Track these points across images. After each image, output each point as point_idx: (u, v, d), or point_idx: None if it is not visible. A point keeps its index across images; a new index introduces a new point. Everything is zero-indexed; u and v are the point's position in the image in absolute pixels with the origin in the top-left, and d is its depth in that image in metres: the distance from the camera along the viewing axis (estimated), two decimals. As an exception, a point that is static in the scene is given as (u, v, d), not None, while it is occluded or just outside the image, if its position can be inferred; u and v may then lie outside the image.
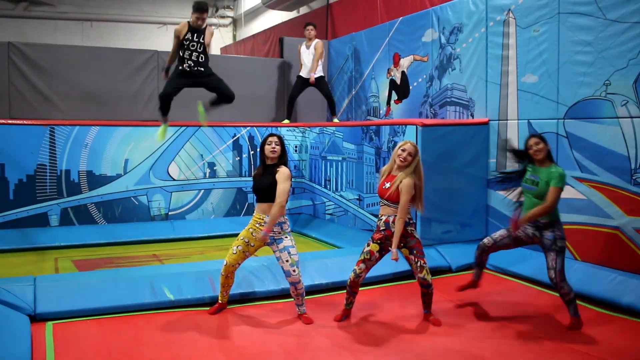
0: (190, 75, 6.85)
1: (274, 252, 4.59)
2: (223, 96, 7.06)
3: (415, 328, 4.52)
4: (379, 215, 4.55)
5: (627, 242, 5.17)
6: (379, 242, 4.49)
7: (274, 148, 4.59)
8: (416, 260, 4.44)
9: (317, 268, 5.59)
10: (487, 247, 4.87)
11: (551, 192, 4.43)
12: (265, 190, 4.55)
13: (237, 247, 4.60)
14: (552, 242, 4.46)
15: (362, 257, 4.53)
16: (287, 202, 4.59)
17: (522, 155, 4.74)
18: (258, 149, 8.53)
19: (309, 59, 8.87)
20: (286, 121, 9.05)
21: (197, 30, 6.78)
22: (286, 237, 4.56)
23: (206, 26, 6.88)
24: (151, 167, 8.01)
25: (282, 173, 4.51)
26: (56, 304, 4.59)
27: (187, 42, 6.74)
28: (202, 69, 6.89)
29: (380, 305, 5.06)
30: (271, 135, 4.70)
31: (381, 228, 4.49)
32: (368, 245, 4.53)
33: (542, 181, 4.49)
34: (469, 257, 6.19)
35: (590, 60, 5.45)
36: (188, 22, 6.84)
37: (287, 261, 4.50)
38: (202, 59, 6.85)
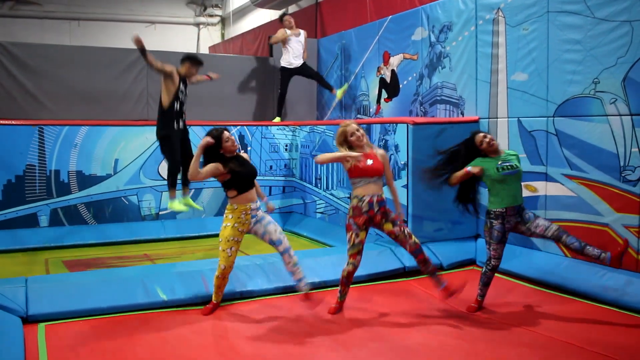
0: (182, 133, 6.67)
1: (258, 231, 4.66)
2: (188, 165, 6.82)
3: (409, 324, 4.55)
4: (359, 196, 4.53)
5: (617, 239, 5.22)
6: (364, 227, 4.56)
7: (234, 142, 4.69)
8: (402, 229, 4.56)
9: (309, 267, 5.58)
10: (498, 266, 4.83)
11: None
12: (250, 178, 4.69)
13: (231, 248, 4.62)
14: (532, 213, 4.72)
15: (357, 250, 4.58)
16: None
17: (465, 154, 4.85)
18: (249, 148, 8.58)
19: (299, 47, 8.91)
20: (277, 119, 9.05)
21: (185, 82, 6.64)
22: (265, 214, 4.72)
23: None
24: (141, 167, 7.98)
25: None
26: (48, 305, 4.57)
27: (182, 95, 6.55)
28: (185, 123, 6.74)
29: (375, 302, 5.08)
30: (226, 130, 4.73)
31: (364, 210, 4.51)
32: (357, 236, 4.55)
33: (515, 163, 4.72)
34: (460, 255, 6.27)
35: (579, 58, 5.49)
36: (178, 70, 6.56)
37: (275, 230, 4.64)
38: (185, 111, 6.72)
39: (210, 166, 4.57)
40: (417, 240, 4.58)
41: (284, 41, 8.98)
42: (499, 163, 4.70)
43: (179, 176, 6.81)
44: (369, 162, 4.52)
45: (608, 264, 4.50)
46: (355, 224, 4.54)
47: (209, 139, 4.49)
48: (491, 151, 4.74)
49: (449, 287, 4.70)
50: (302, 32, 9.09)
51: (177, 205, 6.75)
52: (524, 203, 4.77)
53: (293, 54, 8.95)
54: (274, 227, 4.66)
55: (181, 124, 6.61)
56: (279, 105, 9.18)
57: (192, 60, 6.68)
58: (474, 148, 4.80)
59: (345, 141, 4.61)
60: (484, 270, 4.85)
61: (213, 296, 4.82)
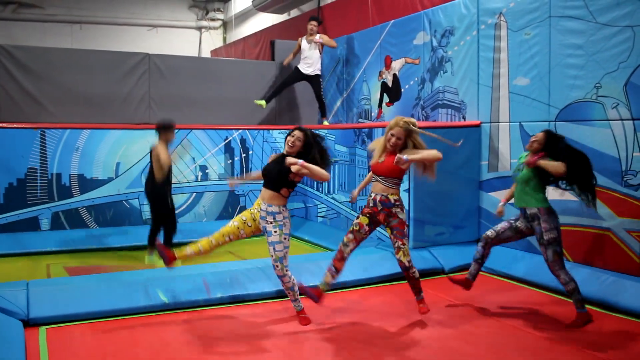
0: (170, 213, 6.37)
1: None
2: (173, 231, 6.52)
3: (410, 326, 4.53)
4: (370, 192, 4.55)
5: (619, 243, 5.22)
6: (367, 215, 4.51)
7: (293, 143, 4.48)
8: (395, 240, 4.46)
9: (310, 271, 5.59)
10: (491, 239, 4.89)
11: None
12: (269, 177, 4.51)
13: (234, 222, 4.57)
14: (540, 235, 4.60)
15: (352, 229, 4.55)
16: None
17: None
18: (251, 152, 8.58)
19: (311, 54, 8.85)
20: (262, 102, 9.00)
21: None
22: (275, 232, 4.43)
23: None
24: (143, 171, 7.97)
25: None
26: (49, 309, 4.56)
27: (170, 175, 6.29)
28: None
29: (375, 304, 5.07)
30: (297, 129, 4.57)
31: (370, 205, 4.52)
32: (357, 218, 4.57)
33: (520, 163, 4.75)
34: (462, 259, 6.25)
35: (581, 63, 5.50)
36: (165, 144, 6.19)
37: (271, 256, 4.50)
38: None
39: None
40: (402, 259, 4.43)
41: (299, 47, 8.98)
42: (519, 164, 4.79)
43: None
44: (382, 159, 4.50)
45: (576, 322, 4.52)
46: (361, 211, 4.59)
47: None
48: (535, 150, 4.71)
49: (421, 309, 4.61)
50: (318, 37, 8.93)
51: (157, 260, 6.25)
52: (533, 210, 4.62)
53: (304, 61, 8.92)
54: (272, 251, 4.46)
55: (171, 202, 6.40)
56: (272, 92, 9.13)
57: (167, 127, 6.21)
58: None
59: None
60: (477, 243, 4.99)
61: (185, 247, 4.60)
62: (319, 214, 8.29)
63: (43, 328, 4.41)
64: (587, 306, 4.73)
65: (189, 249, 4.60)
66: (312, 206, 8.44)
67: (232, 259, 6.57)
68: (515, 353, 4.04)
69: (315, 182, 8.35)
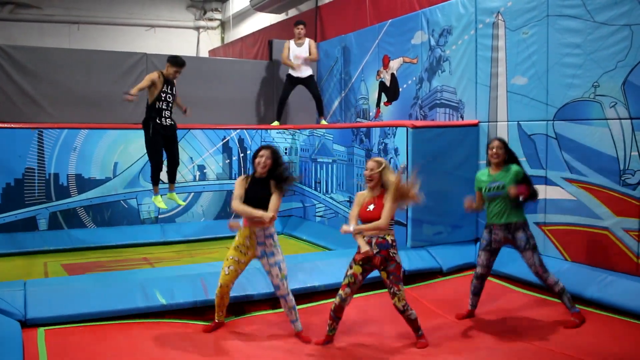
0: (166, 129, 6.90)
1: (264, 265, 4.51)
2: (173, 162, 7.14)
3: (408, 336, 4.45)
4: (364, 236, 4.36)
5: (617, 243, 5.22)
6: (360, 263, 4.33)
7: (264, 163, 4.48)
8: (390, 286, 4.26)
9: (309, 270, 5.59)
10: (485, 274, 4.89)
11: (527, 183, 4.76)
12: (260, 201, 4.43)
13: (229, 267, 4.51)
14: (526, 242, 4.69)
15: (347, 281, 4.37)
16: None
17: None
18: (249, 152, 8.57)
19: (302, 58, 8.84)
20: (276, 123, 9.04)
21: (170, 82, 6.89)
22: (277, 251, 4.48)
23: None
24: (141, 170, 7.97)
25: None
26: (47, 309, 4.54)
27: (164, 95, 6.83)
28: (173, 122, 7.01)
29: (374, 312, 5.03)
30: (264, 148, 4.57)
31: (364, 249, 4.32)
32: (351, 267, 4.39)
33: (507, 183, 4.70)
34: (460, 259, 6.25)
35: (579, 62, 5.49)
36: (161, 72, 6.88)
37: (276, 276, 4.45)
38: (172, 111, 6.99)
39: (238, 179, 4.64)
40: (397, 305, 4.25)
41: (288, 50, 8.97)
42: (490, 182, 4.78)
43: (166, 172, 7.14)
44: (370, 207, 4.32)
45: (575, 322, 4.59)
46: (353, 259, 4.40)
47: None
48: (492, 163, 4.83)
49: (419, 344, 4.36)
50: (307, 42, 8.97)
51: (159, 201, 7.05)
52: (519, 221, 4.73)
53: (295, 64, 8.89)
54: (277, 271, 4.45)
55: (166, 121, 6.87)
56: (278, 110, 9.16)
57: (171, 61, 6.88)
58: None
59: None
60: (472, 278, 4.93)
61: (215, 315, 4.69)
62: (317, 214, 8.28)
63: (42, 329, 4.37)
64: (583, 307, 4.79)
65: (217, 315, 4.68)
66: (310, 206, 8.43)
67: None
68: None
69: (313, 182, 8.35)
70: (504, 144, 4.85)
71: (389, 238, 4.29)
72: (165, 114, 6.86)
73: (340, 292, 4.38)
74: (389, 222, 4.25)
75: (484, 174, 4.92)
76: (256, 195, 4.46)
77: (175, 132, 7.08)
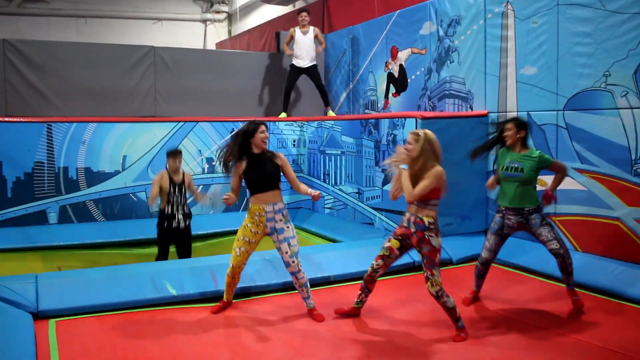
0: (176, 232, 6.20)
1: (274, 242, 4.53)
2: (183, 256, 6.34)
3: (421, 322, 4.48)
4: (405, 211, 4.29)
5: (628, 233, 5.19)
6: (399, 238, 4.26)
7: (267, 137, 4.55)
8: (425, 270, 4.16)
9: (318, 262, 5.59)
10: (490, 260, 4.81)
11: (558, 164, 4.69)
12: (270, 178, 4.49)
13: (240, 248, 4.53)
14: (541, 219, 4.58)
15: (382, 253, 4.35)
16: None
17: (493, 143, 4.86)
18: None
19: (307, 46, 8.84)
20: (283, 115, 9.03)
21: (175, 182, 6.18)
22: (287, 227, 4.50)
23: (183, 173, 6.30)
24: (149, 163, 7.98)
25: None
26: (58, 301, 4.58)
27: (172, 197, 6.15)
28: (187, 220, 6.29)
29: (386, 298, 5.03)
30: (262, 123, 4.57)
31: (404, 225, 4.27)
32: (389, 240, 4.34)
33: (526, 167, 4.56)
34: (470, 250, 6.23)
35: (589, 51, 5.45)
36: (166, 171, 6.23)
37: (286, 252, 4.47)
38: (187, 209, 6.32)
39: (233, 173, 4.54)
40: (430, 290, 4.12)
41: (291, 37, 8.97)
42: (508, 161, 4.65)
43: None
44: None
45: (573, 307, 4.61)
46: (394, 232, 4.34)
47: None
48: (509, 144, 4.67)
49: (455, 337, 4.19)
50: (312, 30, 9.01)
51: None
52: (533, 207, 4.58)
53: (298, 53, 8.90)
54: (286, 247, 4.46)
55: (177, 224, 6.17)
56: (284, 101, 9.15)
57: (167, 155, 6.28)
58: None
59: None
60: (477, 262, 4.88)
61: (224, 294, 4.78)
62: (325, 206, 8.28)
63: (52, 321, 4.42)
64: (596, 295, 4.80)
65: (225, 294, 4.76)
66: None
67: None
68: (524, 348, 4.02)
69: (322, 174, 8.33)
70: (515, 124, 4.63)
71: (426, 219, 4.12)
72: (174, 218, 6.16)
73: (373, 262, 4.39)
74: (419, 196, 4.05)
75: (504, 152, 4.73)
76: (267, 171, 4.49)
77: (188, 230, 6.33)
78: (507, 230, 4.70)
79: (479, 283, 4.92)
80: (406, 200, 4.16)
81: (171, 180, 6.17)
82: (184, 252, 6.30)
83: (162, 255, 6.28)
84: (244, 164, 4.51)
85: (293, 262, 4.48)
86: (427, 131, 4.16)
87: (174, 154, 6.26)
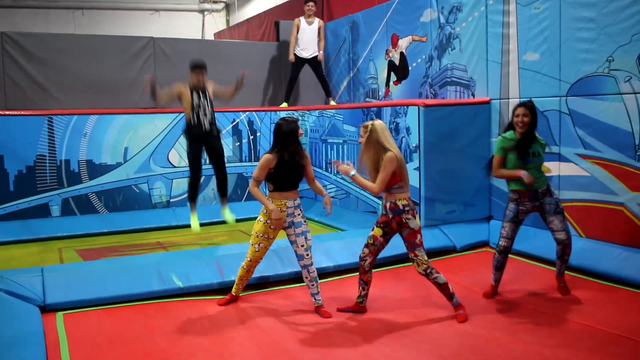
0: (204, 136, 6.27)
1: (289, 235, 4.53)
2: (219, 176, 6.59)
3: (427, 312, 4.48)
4: (382, 199, 4.44)
5: (632, 218, 5.20)
6: (381, 226, 4.37)
7: (302, 133, 4.62)
8: (408, 252, 4.30)
9: (323, 251, 5.60)
10: (509, 247, 4.75)
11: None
12: (297, 178, 4.56)
13: (259, 244, 4.53)
14: (555, 206, 4.61)
15: (366, 242, 4.45)
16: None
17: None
18: (258, 134, 8.55)
19: (311, 37, 8.81)
20: (284, 104, 9.01)
21: (197, 90, 6.24)
22: (304, 222, 4.55)
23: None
24: (151, 155, 7.98)
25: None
26: (65, 294, 4.59)
27: (196, 107, 6.18)
28: (215, 127, 6.37)
29: (391, 289, 5.04)
30: (297, 119, 4.64)
31: (383, 212, 4.39)
32: (372, 229, 4.45)
33: (540, 151, 4.62)
34: (473, 237, 6.26)
35: (592, 36, 5.43)
36: (187, 83, 6.27)
37: (302, 246, 4.48)
38: (213, 116, 6.34)
39: (265, 160, 4.45)
40: (418, 269, 4.26)
41: (297, 29, 8.91)
42: (532, 147, 4.59)
43: (214, 187, 6.78)
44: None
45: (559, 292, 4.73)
46: (376, 221, 4.45)
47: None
48: (520, 132, 4.58)
49: (459, 316, 4.32)
50: (317, 21, 8.95)
51: (194, 221, 6.52)
52: (545, 186, 4.60)
53: (302, 43, 8.86)
54: (302, 241, 4.48)
55: (205, 128, 6.23)
56: (287, 91, 9.13)
57: (191, 67, 6.28)
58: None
59: None
60: (495, 252, 4.81)
61: (233, 287, 4.77)
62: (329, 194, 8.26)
63: (60, 314, 4.43)
64: (600, 281, 4.87)
65: (235, 287, 4.78)
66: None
67: (246, 241, 6.56)
68: (529, 333, 4.04)
69: (324, 163, 8.33)
70: (530, 111, 4.55)
71: (399, 203, 4.24)
72: (202, 126, 6.22)
73: (360, 253, 4.47)
74: (381, 188, 4.22)
75: (512, 137, 4.62)
76: (295, 172, 4.56)
77: (220, 142, 6.45)
78: (522, 216, 4.69)
79: (498, 276, 4.81)
80: (374, 194, 4.27)
81: (192, 90, 6.16)
82: (218, 170, 6.46)
83: (195, 173, 6.38)
84: (275, 160, 4.47)
85: (307, 255, 4.50)
86: (376, 121, 4.32)
87: (198, 67, 6.12)
